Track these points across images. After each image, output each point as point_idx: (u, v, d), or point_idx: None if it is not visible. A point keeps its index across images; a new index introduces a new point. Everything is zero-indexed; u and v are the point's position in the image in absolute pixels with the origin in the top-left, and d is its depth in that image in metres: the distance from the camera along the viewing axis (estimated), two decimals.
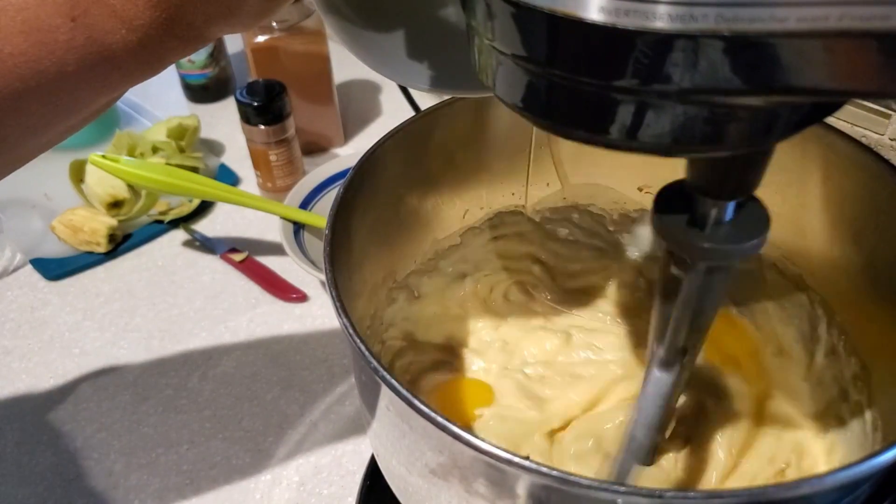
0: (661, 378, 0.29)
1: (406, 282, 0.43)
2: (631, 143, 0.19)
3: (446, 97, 0.37)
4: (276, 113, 0.66)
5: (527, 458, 0.22)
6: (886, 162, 0.32)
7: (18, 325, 0.62)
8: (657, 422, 0.29)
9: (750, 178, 0.23)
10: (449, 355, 0.44)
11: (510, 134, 0.41)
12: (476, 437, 0.23)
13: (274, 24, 0.70)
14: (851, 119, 0.49)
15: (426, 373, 0.43)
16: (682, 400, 0.39)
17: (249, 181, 0.76)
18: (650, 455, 0.35)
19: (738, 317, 0.44)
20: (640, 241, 0.47)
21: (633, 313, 0.46)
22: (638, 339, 0.44)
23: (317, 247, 0.62)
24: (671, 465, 0.37)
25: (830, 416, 0.38)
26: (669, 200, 0.25)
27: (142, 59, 0.25)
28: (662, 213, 0.25)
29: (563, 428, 0.40)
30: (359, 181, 0.34)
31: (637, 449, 0.30)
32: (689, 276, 0.25)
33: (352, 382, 0.55)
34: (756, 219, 0.24)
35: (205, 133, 0.82)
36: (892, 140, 0.48)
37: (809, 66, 0.16)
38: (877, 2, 0.15)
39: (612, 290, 0.47)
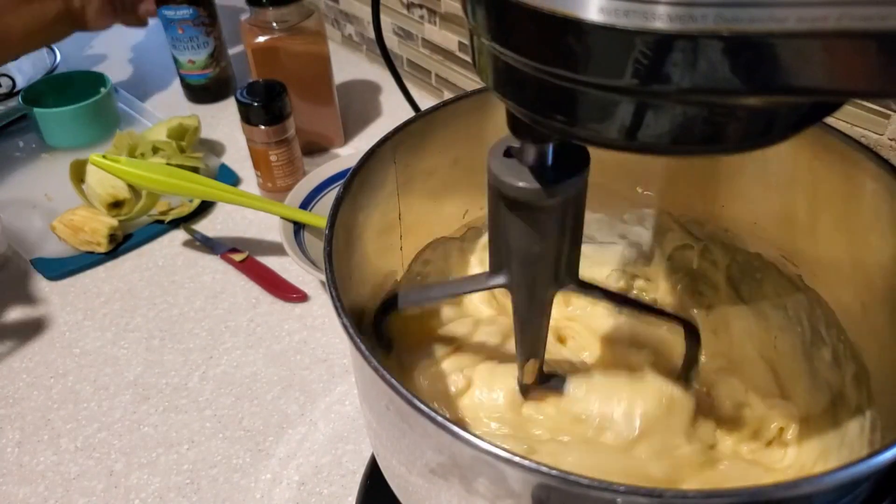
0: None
1: (406, 282, 0.43)
2: (630, 143, 0.19)
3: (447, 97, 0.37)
4: (276, 113, 0.66)
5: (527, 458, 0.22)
6: (886, 162, 0.32)
7: (19, 326, 0.62)
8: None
9: None
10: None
11: (510, 134, 0.41)
12: (476, 436, 0.23)
13: (274, 24, 0.70)
14: (851, 119, 0.49)
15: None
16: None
17: (250, 181, 0.77)
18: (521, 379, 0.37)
19: None
20: (633, 242, 0.47)
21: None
22: (627, 331, 0.44)
23: (317, 247, 0.62)
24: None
25: (829, 416, 0.37)
26: (507, 149, 0.28)
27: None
28: (496, 158, 0.27)
29: None
30: (359, 181, 0.34)
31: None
32: (501, 211, 0.29)
33: (352, 382, 0.55)
34: (574, 164, 0.27)
35: (205, 133, 0.83)
36: (891, 140, 0.48)
37: (809, 66, 0.16)
38: (877, 2, 0.15)
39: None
